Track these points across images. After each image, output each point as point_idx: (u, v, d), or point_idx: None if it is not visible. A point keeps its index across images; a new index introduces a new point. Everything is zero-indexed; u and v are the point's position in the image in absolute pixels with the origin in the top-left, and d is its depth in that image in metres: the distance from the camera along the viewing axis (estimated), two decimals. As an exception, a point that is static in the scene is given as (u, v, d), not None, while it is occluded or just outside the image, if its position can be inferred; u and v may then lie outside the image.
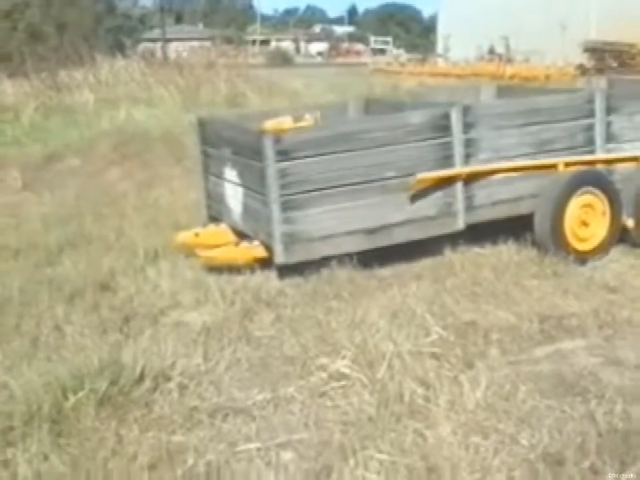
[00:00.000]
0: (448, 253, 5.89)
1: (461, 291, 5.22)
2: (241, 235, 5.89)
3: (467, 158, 5.72)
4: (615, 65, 33.46)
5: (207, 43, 30.78)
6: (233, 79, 21.27)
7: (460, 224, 5.77)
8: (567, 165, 5.99)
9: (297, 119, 6.26)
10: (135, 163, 11.09)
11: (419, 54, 48.34)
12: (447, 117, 5.66)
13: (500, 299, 5.09)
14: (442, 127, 5.66)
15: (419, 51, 52.22)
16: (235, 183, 5.84)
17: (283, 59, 47.15)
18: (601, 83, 8.31)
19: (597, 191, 5.98)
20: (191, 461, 3.32)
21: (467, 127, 5.71)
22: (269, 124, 6.05)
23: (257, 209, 5.54)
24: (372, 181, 5.48)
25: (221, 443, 3.51)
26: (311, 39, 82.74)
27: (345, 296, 5.13)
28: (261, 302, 5.13)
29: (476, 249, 5.97)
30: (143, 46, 29.53)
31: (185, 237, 6.08)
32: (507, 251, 5.89)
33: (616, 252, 6.08)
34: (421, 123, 5.60)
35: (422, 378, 3.86)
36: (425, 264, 5.80)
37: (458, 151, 5.69)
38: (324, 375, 4.02)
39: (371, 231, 5.51)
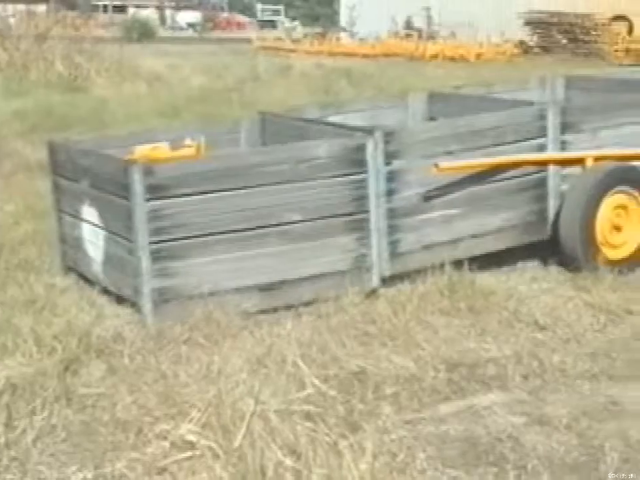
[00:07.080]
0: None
1: (349, 330, 5.24)
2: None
3: (389, 196, 5.87)
4: (564, 41, 34.58)
5: (41, 7, 30.32)
6: (72, 55, 21.12)
7: (374, 280, 5.90)
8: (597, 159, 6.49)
9: (175, 145, 6.28)
10: None
11: (319, 27, 49.03)
12: (361, 149, 5.79)
13: (398, 341, 5.12)
14: (355, 161, 5.80)
15: (320, 23, 52.96)
16: (94, 224, 5.89)
17: (142, 32, 46.86)
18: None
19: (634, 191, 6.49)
20: None
21: (390, 157, 5.86)
22: (139, 151, 6.07)
23: (121, 257, 5.61)
24: (270, 225, 5.60)
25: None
26: (180, 6, 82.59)
27: (200, 339, 5.10)
28: (91, 349, 5.04)
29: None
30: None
31: None
32: (408, 278, 5.93)
33: (550, 280, 6.24)
34: (330, 157, 5.75)
35: (291, 445, 3.83)
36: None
37: (374, 190, 5.82)
38: (165, 444, 3.96)
39: (268, 288, 5.63)
